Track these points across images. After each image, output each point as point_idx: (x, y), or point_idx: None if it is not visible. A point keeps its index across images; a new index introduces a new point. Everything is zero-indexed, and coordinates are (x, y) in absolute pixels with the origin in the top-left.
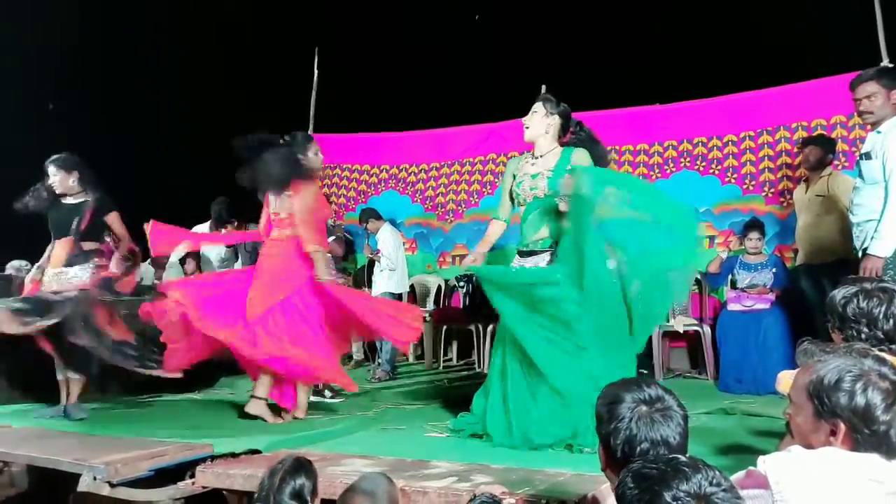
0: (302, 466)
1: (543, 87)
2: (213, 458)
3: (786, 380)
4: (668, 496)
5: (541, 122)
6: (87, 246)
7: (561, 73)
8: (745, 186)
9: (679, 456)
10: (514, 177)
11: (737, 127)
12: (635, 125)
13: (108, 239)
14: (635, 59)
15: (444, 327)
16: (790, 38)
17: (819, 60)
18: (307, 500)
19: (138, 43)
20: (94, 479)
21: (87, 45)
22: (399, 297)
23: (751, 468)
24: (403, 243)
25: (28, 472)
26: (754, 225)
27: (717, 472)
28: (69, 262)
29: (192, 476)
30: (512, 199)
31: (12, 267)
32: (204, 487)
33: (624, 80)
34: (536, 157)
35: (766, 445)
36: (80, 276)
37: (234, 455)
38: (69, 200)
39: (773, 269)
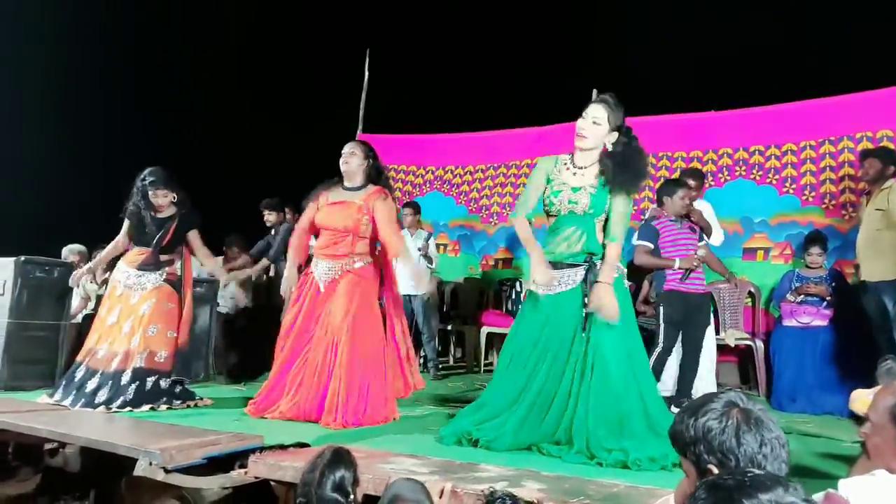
0: (340, 457)
1: (595, 92)
2: (261, 449)
3: (861, 398)
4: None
5: (600, 138)
6: (163, 258)
7: (615, 75)
8: (803, 198)
9: (757, 470)
10: (550, 181)
11: (797, 136)
12: (690, 131)
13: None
14: (694, 63)
15: (487, 331)
16: (855, 45)
17: (886, 69)
18: (349, 491)
19: (193, 44)
20: (150, 464)
21: (123, 43)
22: None
23: (830, 490)
24: (446, 245)
25: (81, 455)
26: (816, 238)
27: (798, 487)
28: (141, 267)
29: (242, 466)
30: (543, 203)
31: (70, 251)
32: (256, 478)
33: (681, 84)
34: (578, 168)
35: (827, 467)
36: (152, 280)
37: (282, 447)
38: (157, 214)
39: (832, 284)
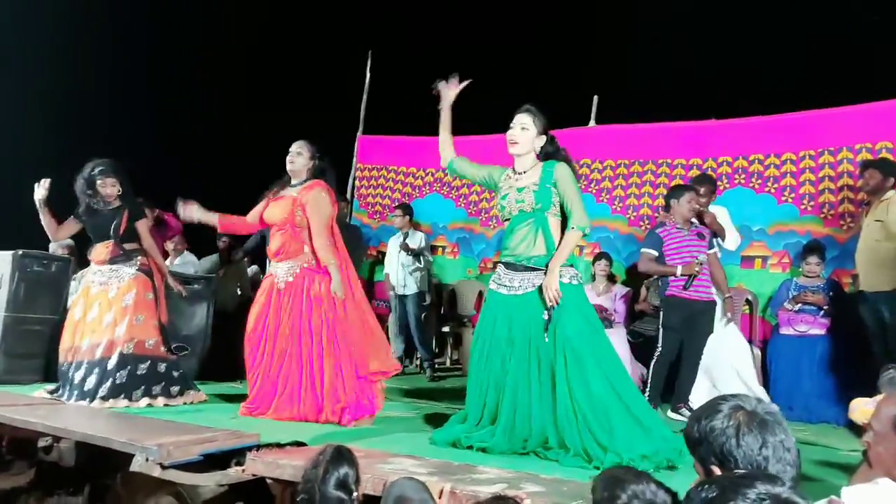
0: (342, 455)
1: (595, 99)
2: (258, 447)
3: (861, 408)
4: (751, 493)
5: (530, 142)
6: (129, 246)
7: (615, 83)
8: (802, 207)
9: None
10: (498, 187)
11: (796, 146)
12: (690, 140)
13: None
14: (694, 72)
15: None
16: (857, 57)
17: (887, 82)
18: (352, 489)
19: (195, 45)
20: (147, 459)
21: (132, 41)
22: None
23: (833, 497)
24: (445, 247)
25: (76, 449)
26: (814, 248)
27: (799, 491)
28: (112, 261)
29: (238, 463)
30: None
31: (58, 245)
32: (253, 475)
33: (681, 93)
34: (519, 174)
35: (824, 475)
36: (128, 272)
37: (279, 445)
38: (107, 205)
39: (830, 293)
